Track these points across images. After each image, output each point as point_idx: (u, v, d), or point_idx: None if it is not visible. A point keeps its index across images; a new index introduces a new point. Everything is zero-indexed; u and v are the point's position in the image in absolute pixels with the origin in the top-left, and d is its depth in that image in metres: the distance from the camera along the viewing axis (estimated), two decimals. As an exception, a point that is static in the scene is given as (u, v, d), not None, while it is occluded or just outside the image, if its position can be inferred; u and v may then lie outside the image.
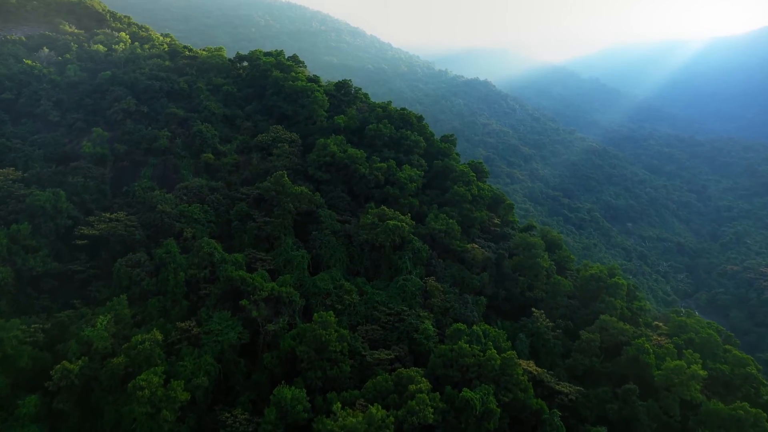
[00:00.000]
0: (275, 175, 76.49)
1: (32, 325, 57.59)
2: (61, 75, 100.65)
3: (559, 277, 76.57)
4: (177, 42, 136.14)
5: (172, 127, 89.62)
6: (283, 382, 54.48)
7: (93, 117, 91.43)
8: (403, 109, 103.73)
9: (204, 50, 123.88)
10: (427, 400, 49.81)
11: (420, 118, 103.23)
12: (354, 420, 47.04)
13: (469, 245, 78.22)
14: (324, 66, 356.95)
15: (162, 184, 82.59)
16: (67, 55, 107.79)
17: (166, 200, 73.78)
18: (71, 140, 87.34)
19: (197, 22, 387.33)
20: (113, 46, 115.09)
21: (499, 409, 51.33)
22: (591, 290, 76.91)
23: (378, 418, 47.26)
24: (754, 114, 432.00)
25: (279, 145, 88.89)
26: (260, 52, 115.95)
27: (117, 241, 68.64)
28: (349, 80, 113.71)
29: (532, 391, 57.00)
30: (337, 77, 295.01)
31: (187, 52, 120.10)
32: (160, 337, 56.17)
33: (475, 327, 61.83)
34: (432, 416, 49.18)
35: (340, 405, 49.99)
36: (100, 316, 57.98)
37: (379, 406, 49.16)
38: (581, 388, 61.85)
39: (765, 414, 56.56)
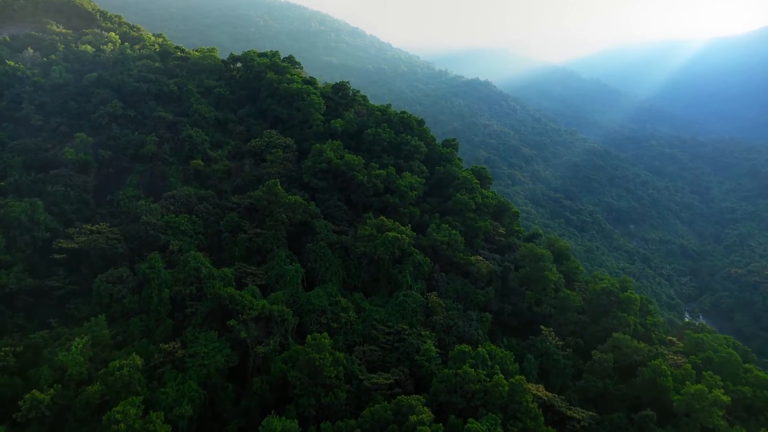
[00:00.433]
0: (268, 184, 72.16)
1: (3, 348, 53.28)
2: (45, 77, 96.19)
3: (569, 292, 72.34)
4: (169, 42, 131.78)
5: (161, 131, 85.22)
6: (273, 411, 50.20)
7: (77, 121, 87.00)
8: (403, 112, 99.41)
9: (197, 51, 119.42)
10: (430, 434, 45.57)
11: (421, 122, 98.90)
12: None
13: (473, 257, 73.95)
14: (323, 66, 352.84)
15: (149, 192, 78.23)
16: (53, 56, 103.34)
17: (151, 210, 69.41)
18: (54, 146, 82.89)
19: (196, 22, 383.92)
20: (101, 46, 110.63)
21: (507, 442, 47.12)
22: (602, 305, 72.68)
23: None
24: (756, 114, 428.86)
25: (273, 150, 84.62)
26: (254, 52, 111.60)
27: (97, 255, 64.27)
28: (347, 82, 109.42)
29: (542, 418, 52.81)
30: (336, 77, 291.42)
31: (179, 53, 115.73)
32: (139, 362, 51.86)
33: (480, 349, 57.55)
34: (435, 452, 44.96)
35: (334, 439, 45.76)
36: (76, 339, 53.65)
37: (378, 441, 44.92)
38: (594, 413, 57.63)
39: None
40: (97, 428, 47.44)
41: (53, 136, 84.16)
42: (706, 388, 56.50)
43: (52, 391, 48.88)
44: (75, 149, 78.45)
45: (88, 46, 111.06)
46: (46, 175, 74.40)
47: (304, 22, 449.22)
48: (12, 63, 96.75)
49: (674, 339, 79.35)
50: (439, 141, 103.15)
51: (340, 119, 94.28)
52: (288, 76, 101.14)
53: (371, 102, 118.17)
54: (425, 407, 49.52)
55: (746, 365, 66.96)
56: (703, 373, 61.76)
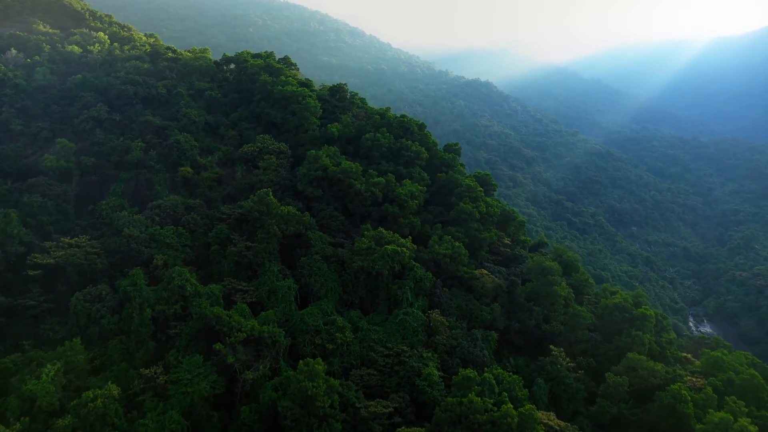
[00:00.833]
0: (259, 194, 67.80)
1: (-31, 376, 49.00)
2: (28, 79, 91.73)
3: (579, 308, 68.07)
4: (161, 42, 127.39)
5: (147, 137, 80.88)
6: (261, 446, 45.96)
7: (60, 126, 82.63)
8: (403, 116, 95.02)
9: (188, 52, 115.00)
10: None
11: (422, 126, 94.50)
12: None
13: (477, 271, 69.67)
14: (322, 66, 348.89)
15: (134, 202, 73.96)
16: (37, 57, 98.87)
17: (134, 222, 65.00)
18: (34, 152, 78.53)
19: (193, 22, 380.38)
20: (88, 47, 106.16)
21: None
22: (614, 322, 68.44)
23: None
24: (758, 114, 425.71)
25: (266, 157, 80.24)
26: (248, 53, 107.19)
27: (75, 271, 59.88)
28: (345, 84, 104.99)
29: (555, 451, 48.62)
30: (335, 78, 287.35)
31: (170, 54, 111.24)
32: (116, 391, 47.57)
33: (486, 374, 53.25)
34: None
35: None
36: (48, 365, 49.36)
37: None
38: (609, 443, 53.46)
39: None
40: (68, 467, 43.29)
41: (34, 142, 79.80)
42: (731, 417, 52.26)
43: (18, 425, 44.66)
44: (56, 156, 74.12)
45: (75, 47, 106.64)
46: (23, 183, 70.03)
47: (303, 22, 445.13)
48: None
49: (689, 356, 75.15)
50: (439, 143, 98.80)
51: (337, 123, 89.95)
52: (282, 78, 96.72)
53: (371, 103, 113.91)
54: (428, 442, 45.31)
55: (769, 387, 62.63)
56: (726, 398, 57.52)
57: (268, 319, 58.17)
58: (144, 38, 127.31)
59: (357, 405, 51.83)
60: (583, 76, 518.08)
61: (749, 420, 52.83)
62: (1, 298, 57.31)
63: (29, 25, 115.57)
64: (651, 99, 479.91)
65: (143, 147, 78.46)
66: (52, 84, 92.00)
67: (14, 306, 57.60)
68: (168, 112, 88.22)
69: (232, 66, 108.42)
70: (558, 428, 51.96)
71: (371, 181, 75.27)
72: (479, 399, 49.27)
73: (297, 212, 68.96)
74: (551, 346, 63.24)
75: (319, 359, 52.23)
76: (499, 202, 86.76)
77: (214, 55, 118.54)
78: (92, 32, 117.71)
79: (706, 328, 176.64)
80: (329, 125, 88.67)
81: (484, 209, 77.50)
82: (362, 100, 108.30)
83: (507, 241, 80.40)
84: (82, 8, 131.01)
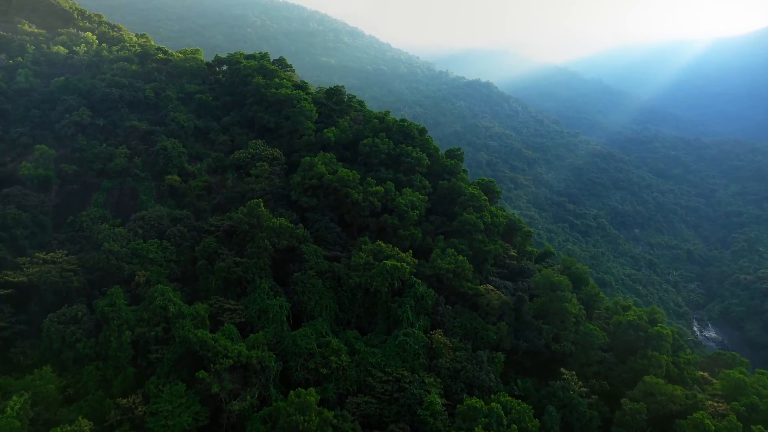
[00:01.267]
0: (249, 205, 63.42)
1: (-72, 408, 44.60)
2: (9, 81, 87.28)
3: (591, 326, 63.72)
4: (152, 43, 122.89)
5: (133, 143, 76.53)
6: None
7: (41, 131, 78.19)
8: (403, 120, 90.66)
9: (180, 52, 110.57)
10: None
11: (423, 131, 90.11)
12: None
13: (482, 287, 65.30)
14: (321, 67, 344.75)
15: (117, 213, 69.64)
16: (20, 59, 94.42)
17: (115, 236, 60.61)
18: (12, 159, 74.09)
19: (191, 22, 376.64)
20: (74, 47, 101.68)
21: None
22: (629, 341, 64.13)
23: None
24: (760, 115, 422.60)
25: (258, 163, 75.90)
26: (241, 54, 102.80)
27: (50, 290, 55.52)
28: (342, 86, 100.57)
29: (570, 490, 44.38)
30: (334, 78, 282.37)
31: (160, 55, 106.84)
32: (87, 428, 43.21)
33: (493, 404, 48.92)
34: None
35: None
36: (14, 396, 45.06)
37: None
38: (627, 478, 49.14)
39: None
40: None
41: (12, 148, 75.34)
42: (760, 451, 47.93)
43: (-23, 467, 40.39)
44: (34, 164, 69.74)
45: (61, 48, 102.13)
46: (-2, 194, 65.66)
47: (302, 22, 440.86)
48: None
49: (706, 375, 70.84)
50: (440, 144, 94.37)
51: (333, 128, 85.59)
52: (276, 80, 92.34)
53: (370, 104, 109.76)
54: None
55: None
56: (752, 427, 53.18)
57: (258, 342, 53.89)
58: (135, 39, 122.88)
59: (353, 438, 47.57)
60: (584, 76, 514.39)
61: (781, 454, 48.52)
62: (-31, 320, 52.95)
63: (14, 25, 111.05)
64: (652, 99, 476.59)
65: (128, 154, 74.17)
66: (34, 87, 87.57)
67: (-17, 328, 53.24)
68: (156, 116, 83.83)
69: (225, 67, 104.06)
70: (572, 464, 47.68)
71: (369, 190, 70.94)
72: (487, 433, 45.04)
73: (290, 224, 64.61)
74: (562, 370, 58.92)
75: (311, 389, 47.92)
76: (504, 211, 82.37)
77: (214, 56, 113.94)
78: (80, 32, 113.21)
79: (711, 333, 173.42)
80: (325, 130, 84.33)
81: (489, 219, 73.17)
82: (360, 102, 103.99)
83: (513, 252, 76.06)
84: (71, 7, 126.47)
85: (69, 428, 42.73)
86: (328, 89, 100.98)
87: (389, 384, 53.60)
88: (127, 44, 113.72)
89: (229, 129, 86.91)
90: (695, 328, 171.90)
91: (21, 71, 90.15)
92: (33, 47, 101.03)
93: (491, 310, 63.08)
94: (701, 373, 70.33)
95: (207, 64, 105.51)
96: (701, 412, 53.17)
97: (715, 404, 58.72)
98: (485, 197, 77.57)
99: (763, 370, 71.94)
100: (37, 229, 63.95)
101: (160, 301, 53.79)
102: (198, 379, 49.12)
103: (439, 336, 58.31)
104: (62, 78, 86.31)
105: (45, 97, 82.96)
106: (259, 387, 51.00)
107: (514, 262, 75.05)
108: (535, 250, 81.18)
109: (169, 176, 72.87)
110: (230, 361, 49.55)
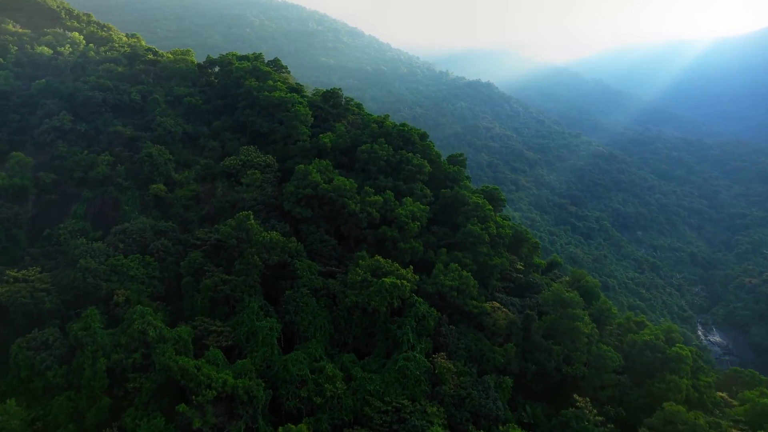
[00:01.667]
0: (238, 218, 59.03)
1: None
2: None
3: (606, 347, 59.47)
4: (143, 43, 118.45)
5: (116, 149, 72.20)
6: None
7: (19, 137, 73.84)
8: (403, 124, 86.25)
9: (170, 53, 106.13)
10: None
11: (424, 136, 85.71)
12: None
13: (488, 305, 60.97)
14: (321, 67, 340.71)
15: (97, 225, 65.25)
16: (1, 60, 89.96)
17: (92, 251, 56.27)
18: (-12, 167, 69.65)
19: (189, 22, 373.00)
20: (58, 48, 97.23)
21: None
22: (645, 363, 59.85)
23: None
24: (761, 115, 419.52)
25: (249, 171, 71.56)
26: (233, 55, 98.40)
27: (19, 312, 51.18)
28: (339, 89, 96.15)
29: None
30: (334, 79, 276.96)
31: (150, 56, 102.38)
32: (53, 472, 38.94)
33: (504, 439, 44.64)
34: None
35: None
36: (-27, 436, 40.80)
37: None
38: None
39: None
40: None
41: (-12, 156, 70.95)
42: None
43: None
44: (9, 172, 65.33)
45: (46, 48, 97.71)
46: (-31, 206, 61.27)
47: (301, 22, 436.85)
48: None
49: (725, 395, 66.62)
50: (440, 146, 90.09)
51: (330, 133, 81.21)
52: (270, 82, 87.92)
53: (369, 105, 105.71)
54: None
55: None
56: (783, 461, 48.97)
57: (245, 369, 49.54)
58: (125, 39, 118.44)
59: (349, 478, 43.28)
60: (584, 76, 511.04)
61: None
62: (-70, 346, 48.68)
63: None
64: (653, 100, 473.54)
65: (111, 161, 69.82)
66: (14, 89, 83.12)
67: (-55, 355, 49.01)
68: (142, 121, 79.45)
69: (217, 69, 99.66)
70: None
71: (367, 200, 66.58)
72: (496, 474, 40.74)
73: (282, 238, 60.24)
74: (575, 396, 54.62)
75: (302, 426, 43.59)
76: (510, 221, 78.03)
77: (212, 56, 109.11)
78: (67, 32, 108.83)
79: (716, 337, 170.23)
80: (321, 135, 79.96)
81: (494, 230, 68.82)
82: (359, 105, 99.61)
83: (520, 265, 71.72)
84: (58, 6, 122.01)
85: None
86: (324, 92, 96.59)
87: (388, 414, 49.25)
88: (116, 45, 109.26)
89: (219, 134, 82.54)
90: (700, 333, 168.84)
91: (1, 73, 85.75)
92: (16, 48, 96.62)
93: (498, 330, 58.76)
94: (720, 394, 66.07)
95: (198, 65, 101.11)
96: (728, 445, 48.93)
97: (740, 432, 54.53)
98: (490, 206, 73.24)
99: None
100: (9, 244, 59.63)
101: (138, 325, 49.43)
102: (179, 411, 44.82)
103: (442, 360, 53.99)
104: (43, 80, 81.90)
105: (25, 101, 78.57)
106: (246, 419, 46.63)
107: (521, 276, 70.75)
108: (543, 262, 76.82)
109: (154, 185, 68.52)
110: (214, 392, 45.21)
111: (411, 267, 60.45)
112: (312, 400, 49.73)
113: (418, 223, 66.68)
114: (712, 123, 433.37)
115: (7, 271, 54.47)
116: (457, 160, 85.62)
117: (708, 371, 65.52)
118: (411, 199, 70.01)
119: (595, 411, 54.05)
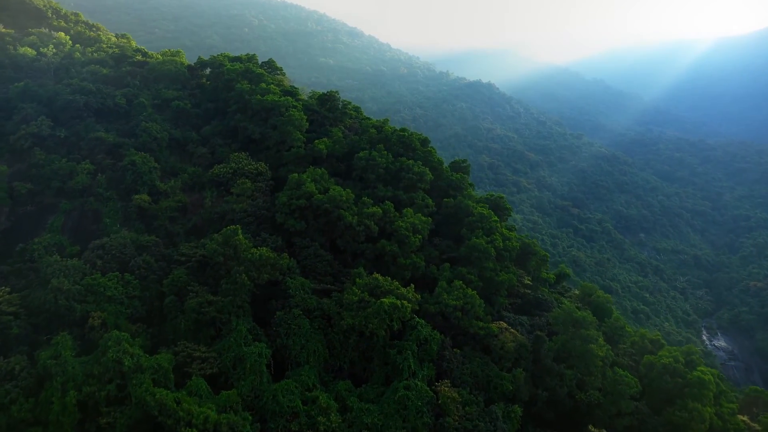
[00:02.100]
0: (225, 233, 54.65)
1: None
2: (-35, 87, 78.53)
3: (622, 372, 55.23)
4: (132, 44, 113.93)
5: (98, 157, 67.80)
6: None
7: (-6, 144, 69.36)
8: (403, 129, 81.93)
9: (160, 54, 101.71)
10: None
11: (425, 141, 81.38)
12: None
13: (494, 325, 56.71)
14: (320, 68, 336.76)
15: (76, 239, 60.82)
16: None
17: (66, 270, 51.86)
18: (-40, 176, 65.21)
19: (187, 22, 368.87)
20: (41, 49, 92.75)
21: None
22: (664, 389, 55.65)
23: None
24: (763, 116, 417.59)
25: (240, 180, 67.23)
26: (225, 56, 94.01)
27: (-16, 339, 46.80)
28: (336, 92, 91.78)
29: None
30: (333, 79, 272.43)
31: (138, 57, 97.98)
32: None
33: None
34: None
35: None
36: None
37: None
38: None
39: None
40: None
41: (-39, 164, 66.47)
42: None
43: None
44: (-19, 183, 60.95)
45: (29, 49, 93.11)
46: (-65, 220, 56.89)
47: (300, 22, 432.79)
48: (-77, 70, 79.14)
49: (746, 419, 62.47)
50: (441, 147, 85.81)
51: (326, 139, 76.88)
52: (263, 85, 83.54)
53: (369, 106, 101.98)
54: None
55: None
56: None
57: (231, 401, 45.23)
58: (114, 39, 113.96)
59: None
60: (585, 77, 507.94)
61: None
62: None
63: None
64: (654, 100, 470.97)
65: (91, 170, 65.43)
66: (-7, 93, 78.72)
67: None
68: (126, 126, 75.02)
69: (208, 71, 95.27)
70: None
71: (365, 211, 62.26)
72: None
73: (273, 254, 55.87)
74: (591, 428, 50.33)
75: (292, 471, 39.27)
76: (517, 233, 73.71)
77: (208, 57, 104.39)
78: (52, 32, 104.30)
79: (721, 342, 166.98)
80: (317, 141, 75.61)
81: (501, 244, 64.53)
82: (356, 108, 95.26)
83: (527, 280, 67.41)
84: (45, 5, 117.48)
85: None
86: (320, 95, 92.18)
87: (387, 451, 45.08)
88: (104, 45, 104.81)
89: (209, 140, 78.19)
90: (704, 337, 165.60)
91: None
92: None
93: (506, 354, 54.47)
94: (742, 418, 61.92)
95: (189, 67, 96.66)
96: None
97: (769, 466, 50.28)
98: (495, 217, 68.95)
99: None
100: (-22, 261, 55.15)
101: (113, 353, 45.01)
102: (157, 450, 40.56)
103: (446, 389, 49.70)
104: (22, 83, 77.44)
105: (1, 105, 74.10)
106: (230, 459, 42.37)
107: (529, 292, 66.46)
108: (551, 275, 72.57)
109: (137, 196, 64.11)
110: (194, 430, 40.91)
111: (412, 285, 56.14)
112: (304, 435, 45.45)
113: (420, 237, 62.40)
114: (713, 123, 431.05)
115: (-27, 292, 50.08)
116: (459, 167, 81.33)
117: (729, 395, 61.26)
118: (411, 210, 65.69)
119: (612, 444, 49.90)
